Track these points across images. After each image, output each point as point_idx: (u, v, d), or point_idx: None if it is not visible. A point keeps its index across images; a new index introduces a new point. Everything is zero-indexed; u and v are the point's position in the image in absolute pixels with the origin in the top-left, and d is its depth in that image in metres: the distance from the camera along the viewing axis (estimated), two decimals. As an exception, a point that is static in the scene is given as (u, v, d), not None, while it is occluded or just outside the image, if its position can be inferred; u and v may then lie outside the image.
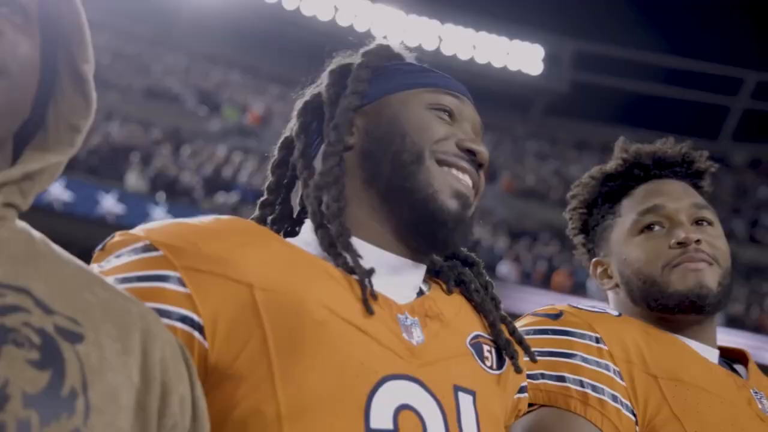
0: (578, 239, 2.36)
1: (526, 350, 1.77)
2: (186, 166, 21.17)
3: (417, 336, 1.57)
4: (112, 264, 1.47)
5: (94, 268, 1.49)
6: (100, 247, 1.53)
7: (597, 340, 1.96)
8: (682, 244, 2.08)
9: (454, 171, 1.66)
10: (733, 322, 20.77)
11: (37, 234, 1.28)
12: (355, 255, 1.56)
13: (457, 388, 1.56)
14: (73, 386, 1.10)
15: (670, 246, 2.09)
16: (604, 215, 2.26)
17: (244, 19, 34.12)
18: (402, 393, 1.47)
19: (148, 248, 1.46)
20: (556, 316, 2.03)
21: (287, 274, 1.50)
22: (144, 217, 17.61)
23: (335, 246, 1.58)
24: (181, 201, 19.34)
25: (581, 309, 2.07)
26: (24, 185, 1.24)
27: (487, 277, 1.83)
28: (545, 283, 20.96)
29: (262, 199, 1.82)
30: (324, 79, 1.79)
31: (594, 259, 2.26)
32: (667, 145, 2.31)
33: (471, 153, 1.68)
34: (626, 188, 2.26)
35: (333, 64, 1.81)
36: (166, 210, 18.51)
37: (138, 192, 19.32)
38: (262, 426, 1.40)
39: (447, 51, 36.75)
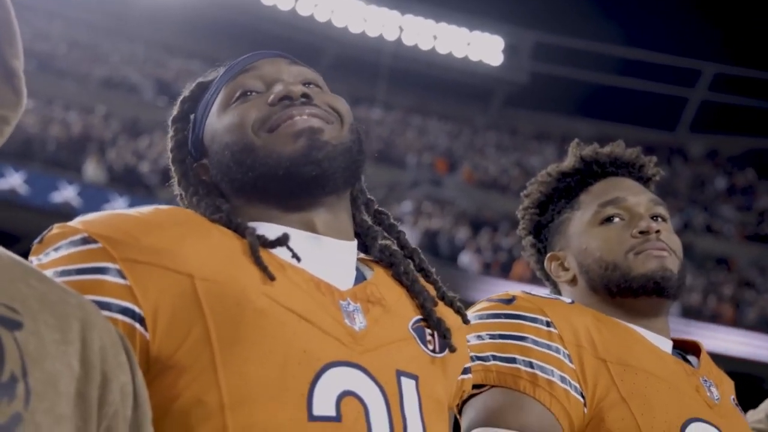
0: (527, 240, 2.39)
1: (458, 311, 1.78)
2: (144, 157, 21.02)
3: (359, 322, 1.57)
4: (51, 257, 1.47)
5: (33, 261, 1.48)
6: (38, 240, 1.51)
7: (548, 324, 2.00)
8: (644, 233, 2.15)
9: (287, 125, 1.64)
10: (690, 313, 21.05)
11: None
12: (257, 234, 1.57)
13: (399, 373, 1.56)
14: (12, 371, 1.09)
15: (632, 235, 2.15)
16: (560, 210, 2.30)
17: (202, 9, 33.91)
18: (344, 379, 1.48)
19: (86, 240, 1.46)
20: (509, 300, 2.07)
21: (227, 263, 1.50)
22: (102, 209, 17.48)
23: (240, 230, 1.59)
24: (139, 192, 19.22)
25: (534, 295, 2.11)
26: None
27: (413, 246, 1.83)
28: (505, 273, 21.10)
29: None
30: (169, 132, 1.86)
31: (549, 253, 2.28)
32: (620, 148, 2.37)
33: (286, 98, 1.67)
34: (583, 184, 2.31)
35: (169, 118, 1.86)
36: (123, 200, 18.38)
37: (96, 183, 19.17)
38: (204, 415, 1.40)
39: (408, 42, 36.79)
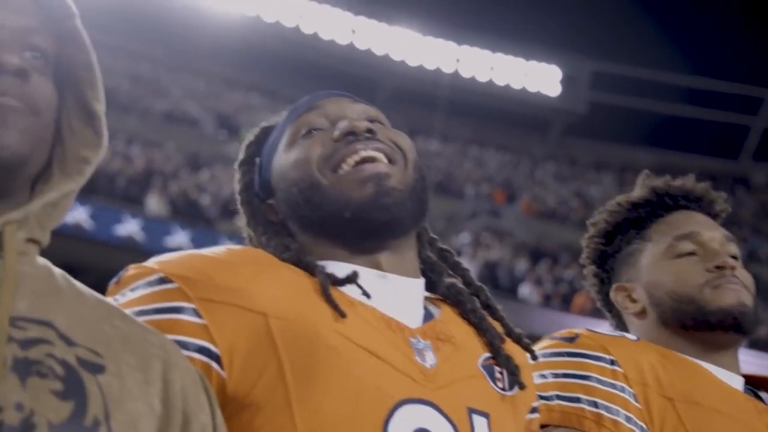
0: (590, 269, 2.36)
1: (526, 348, 1.77)
2: (205, 190, 21.26)
3: (430, 359, 1.57)
4: (128, 297, 1.50)
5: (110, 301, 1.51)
6: (114, 280, 1.55)
7: (612, 363, 1.97)
8: (720, 268, 2.11)
9: (349, 161, 1.66)
10: (758, 345, 20.62)
11: (57, 269, 1.31)
12: (326, 272, 1.59)
13: (471, 411, 1.56)
14: (95, 415, 1.13)
15: (707, 269, 2.11)
16: (629, 241, 2.27)
17: (262, 43, 34.37)
18: (418, 417, 1.48)
19: (162, 281, 1.49)
20: (572, 339, 2.04)
21: (299, 301, 1.52)
22: (164, 241, 17.70)
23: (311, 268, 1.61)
24: (200, 224, 19.42)
25: (597, 333, 2.08)
26: (42, 218, 1.28)
27: (479, 283, 1.83)
28: (566, 305, 20.89)
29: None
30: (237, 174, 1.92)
31: (616, 284, 2.25)
32: (691, 181, 2.33)
33: (351, 134, 1.68)
34: (654, 216, 2.27)
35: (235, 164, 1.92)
36: (186, 233, 18.59)
37: (158, 216, 19.42)
38: None
39: (465, 73, 36.87)
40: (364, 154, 1.66)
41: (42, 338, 1.15)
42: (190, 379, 1.30)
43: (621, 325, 2.29)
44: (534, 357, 1.79)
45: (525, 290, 21.33)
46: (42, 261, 1.30)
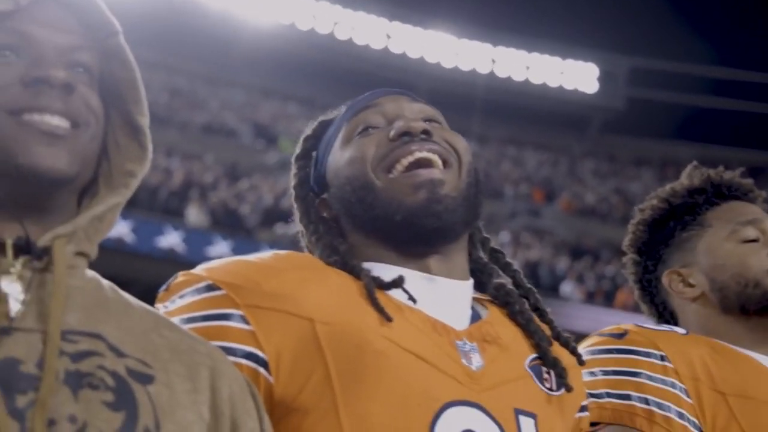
0: (633, 257, 2.35)
1: (573, 352, 1.76)
2: (244, 200, 21.39)
3: (476, 361, 1.58)
4: (177, 304, 1.52)
5: (159, 308, 1.53)
6: (164, 287, 1.57)
7: (662, 358, 1.96)
8: None
9: (403, 162, 1.66)
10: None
11: (105, 281, 1.33)
12: (372, 275, 1.60)
13: (518, 412, 1.56)
14: (146, 425, 1.15)
15: None
16: (684, 227, 2.25)
17: (297, 51, 34.48)
18: (464, 419, 1.48)
19: (210, 288, 1.51)
20: (621, 335, 2.03)
21: (346, 306, 1.53)
22: (205, 251, 17.81)
23: (357, 272, 1.61)
24: (241, 234, 19.53)
25: (646, 328, 2.07)
26: (90, 232, 1.30)
27: (528, 285, 1.83)
28: (609, 301, 20.75)
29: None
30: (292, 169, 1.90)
31: (670, 269, 2.23)
32: (738, 174, 2.34)
33: (406, 134, 1.68)
34: (710, 204, 2.27)
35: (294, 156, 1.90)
36: (227, 243, 18.69)
37: (199, 227, 19.56)
38: None
39: (501, 73, 36.76)
40: (419, 155, 1.66)
41: (92, 350, 1.17)
42: (238, 386, 1.32)
43: (660, 315, 2.29)
44: (581, 362, 1.78)
45: (567, 288, 21.22)
46: (91, 273, 1.32)
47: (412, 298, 1.58)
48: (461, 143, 1.74)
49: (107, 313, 1.25)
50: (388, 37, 35.94)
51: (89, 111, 1.28)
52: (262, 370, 1.45)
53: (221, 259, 1.62)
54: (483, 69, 36.32)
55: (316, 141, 1.87)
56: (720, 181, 2.30)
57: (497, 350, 1.63)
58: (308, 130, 1.90)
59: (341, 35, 35.40)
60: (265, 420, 1.35)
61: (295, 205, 1.84)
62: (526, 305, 1.77)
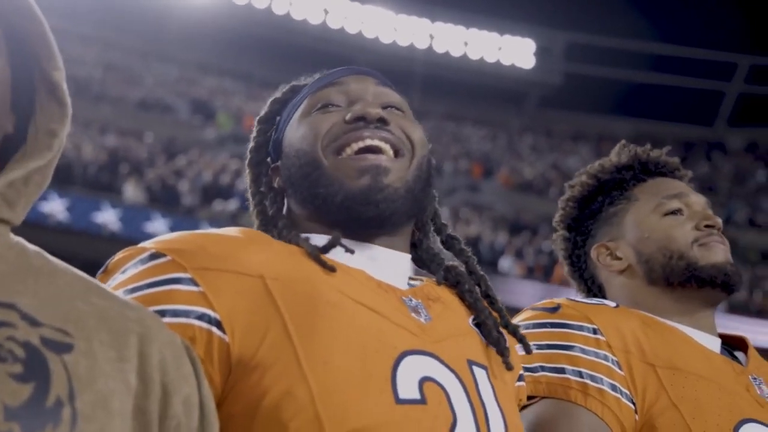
0: (562, 233, 2.39)
1: (521, 340, 1.78)
2: (182, 176, 21.18)
3: (424, 315, 1.60)
4: (118, 280, 1.49)
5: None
6: (102, 270, 1.55)
7: (594, 331, 1.99)
8: (709, 227, 2.17)
9: (354, 146, 1.67)
10: (736, 308, 20.79)
11: (31, 247, 1.28)
12: (313, 244, 1.62)
13: (470, 362, 1.59)
14: (58, 396, 1.10)
15: (696, 227, 2.17)
16: (612, 201, 2.30)
17: (234, 26, 34.15)
18: (422, 366, 1.51)
19: (154, 256, 1.49)
20: (554, 309, 2.06)
21: (293, 265, 1.55)
22: (142, 228, 17.63)
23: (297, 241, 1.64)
24: (179, 211, 19.36)
25: (578, 301, 2.10)
26: (9, 195, 1.25)
27: (481, 272, 1.83)
28: (548, 276, 20.99)
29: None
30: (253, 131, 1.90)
31: (598, 244, 2.27)
32: (665, 153, 2.41)
33: (362, 119, 1.69)
34: (637, 179, 2.31)
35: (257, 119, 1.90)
36: (164, 220, 18.52)
37: (136, 204, 19.34)
38: (295, 408, 1.41)
39: (439, 49, 36.80)
40: (369, 142, 1.67)
41: (2, 321, 1.12)
42: (171, 351, 1.28)
43: (589, 290, 2.34)
44: (528, 351, 1.79)
45: (506, 263, 21.40)
46: (15, 240, 1.27)
47: (349, 250, 1.60)
48: (417, 134, 1.74)
49: (26, 281, 1.20)
50: (326, 11, 35.75)
51: None
52: (215, 330, 1.43)
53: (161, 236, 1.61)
54: (421, 44, 36.33)
55: (281, 106, 1.86)
56: (647, 158, 2.35)
57: (442, 307, 1.66)
58: (278, 93, 1.89)
59: (279, 10, 35.12)
60: (204, 385, 1.32)
61: (247, 170, 1.85)
62: (476, 288, 1.78)
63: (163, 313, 1.40)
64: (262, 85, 32.03)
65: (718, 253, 2.15)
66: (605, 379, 1.94)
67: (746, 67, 39.12)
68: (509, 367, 1.69)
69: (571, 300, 2.11)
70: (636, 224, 2.23)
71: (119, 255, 1.54)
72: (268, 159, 1.84)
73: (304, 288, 1.51)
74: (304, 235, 1.65)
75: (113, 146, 21.81)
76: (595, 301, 2.13)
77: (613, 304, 2.12)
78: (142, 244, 1.54)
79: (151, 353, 1.24)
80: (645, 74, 40.16)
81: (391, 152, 1.67)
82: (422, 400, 1.46)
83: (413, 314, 1.59)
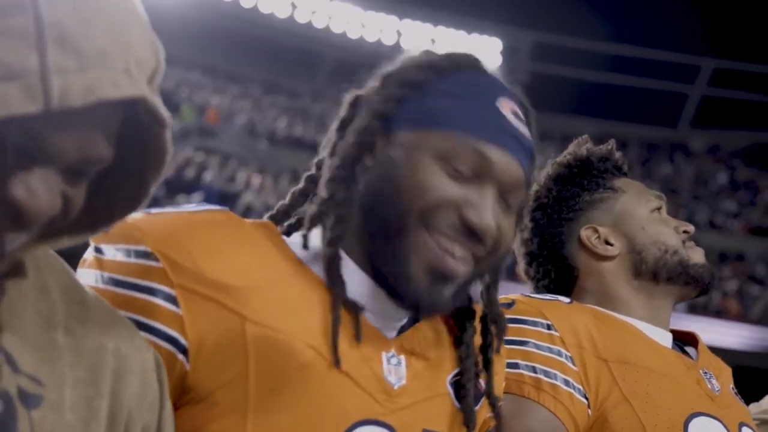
0: (535, 214, 2.33)
1: (493, 409, 1.69)
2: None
3: (398, 378, 1.53)
4: (110, 257, 1.43)
5: (92, 248, 1.46)
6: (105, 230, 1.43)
7: (548, 327, 2.01)
8: (687, 233, 2.24)
9: (438, 243, 1.46)
10: (695, 309, 21.03)
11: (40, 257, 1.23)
12: (343, 288, 1.49)
13: None
14: None
15: (676, 230, 2.23)
16: (592, 188, 2.29)
17: (200, 19, 33.92)
18: None
19: (147, 255, 1.42)
20: (509, 305, 2.05)
21: (282, 306, 1.46)
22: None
23: (329, 275, 1.50)
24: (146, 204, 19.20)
25: (533, 297, 2.11)
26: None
27: (499, 310, 1.69)
28: (511, 275, 21.05)
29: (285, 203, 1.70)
30: (378, 80, 1.65)
31: (588, 225, 2.25)
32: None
33: (474, 232, 1.46)
34: (614, 173, 2.33)
35: (400, 65, 1.64)
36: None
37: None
38: None
39: (406, 46, 36.75)
40: (457, 253, 1.47)
41: None
42: (140, 380, 1.26)
43: (552, 272, 2.30)
44: (498, 420, 1.70)
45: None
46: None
47: (357, 336, 1.49)
48: (508, 239, 1.54)
49: (13, 314, 1.14)
50: (294, 6, 35.61)
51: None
52: (180, 356, 1.39)
53: (164, 211, 1.51)
54: (388, 41, 36.32)
55: (439, 77, 1.60)
56: (618, 157, 2.37)
57: (423, 365, 1.58)
58: (425, 70, 1.61)
59: (246, 3, 34.92)
60: (167, 408, 1.31)
61: (347, 114, 1.60)
62: (482, 336, 1.68)
63: (137, 323, 1.36)
64: (228, 79, 31.91)
65: (702, 255, 2.21)
66: (559, 374, 1.96)
67: (709, 69, 39.50)
68: (497, 419, 1.65)
69: (526, 296, 2.12)
70: (629, 214, 2.24)
71: (122, 228, 1.40)
72: (378, 134, 1.53)
73: (281, 341, 1.42)
74: (348, 268, 1.51)
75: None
76: (549, 297, 2.14)
77: (567, 300, 2.13)
78: (139, 223, 1.44)
79: (123, 391, 1.23)
80: (610, 75, 40.40)
81: (468, 262, 1.50)
82: None
83: (386, 376, 1.51)
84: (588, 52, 39.46)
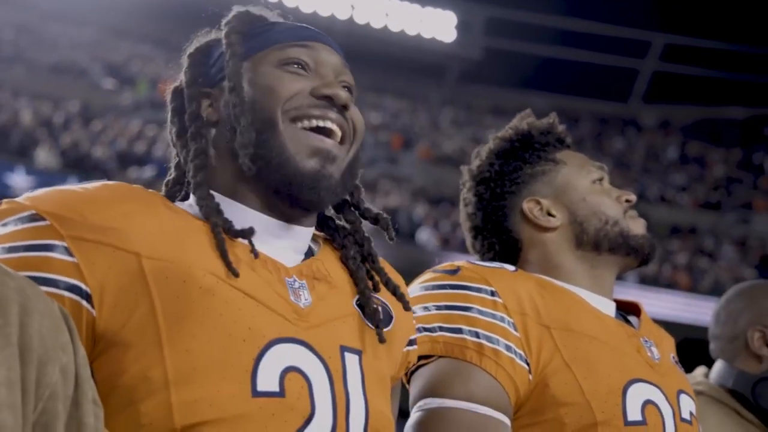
0: (479, 189, 2.38)
1: (400, 299, 1.81)
2: (97, 141, 20.79)
3: (305, 298, 1.60)
4: None
5: None
6: None
7: (492, 294, 2.04)
8: (629, 202, 2.27)
9: (312, 122, 1.66)
10: (646, 281, 21.31)
11: None
12: (224, 219, 1.59)
13: (343, 348, 1.60)
14: None
15: (618, 200, 2.27)
16: (534, 160, 2.33)
17: (152, -9, 33.50)
18: (289, 355, 1.51)
19: (34, 218, 1.48)
20: (454, 272, 2.10)
21: (174, 242, 1.53)
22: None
23: (199, 203, 1.62)
24: (94, 177, 19.03)
25: (478, 264, 2.15)
26: None
27: (366, 234, 1.83)
28: (464, 247, 21.16)
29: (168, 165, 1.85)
30: (184, 62, 1.81)
31: (530, 198, 2.28)
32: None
33: (328, 98, 1.68)
34: (556, 146, 2.36)
35: (191, 46, 1.83)
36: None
37: (49, 169, 18.94)
38: (149, 390, 1.43)
39: (360, 20, 36.63)
40: (329, 124, 1.67)
41: None
42: (50, 321, 1.27)
43: (497, 244, 2.34)
44: (407, 308, 1.82)
45: (423, 235, 21.54)
46: None
47: (254, 252, 1.58)
48: (361, 124, 1.75)
49: None
50: (247, -22, 35.27)
51: None
52: (84, 302, 1.44)
53: (48, 188, 1.57)
54: (342, 15, 36.12)
55: (239, 36, 1.76)
56: (560, 130, 2.41)
57: (326, 288, 1.66)
58: (233, 21, 1.78)
59: (199, -25, 34.55)
60: (80, 354, 1.32)
61: (174, 104, 1.80)
62: (357, 252, 1.79)
63: (35, 280, 1.38)
64: (181, 52, 31.52)
65: (642, 226, 2.26)
66: (501, 340, 2.00)
67: (660, 45, 39.83)
68: (381, 340, 1.70)
69: (471, 263, 2.16)
70: (570, 186, 2.28)
71: (3, 205, 1.53)
72: (200, 92, 1.75)
73: (179, 270, 1.49)
74: (218, 197, 1.64)
75: (25, 110, 21.28)
76: (494, 264, 2.17)
77: (512, 268, 2.17)
78: (24, 199, 1.53)
79: (31, 323, 1.24)
80: (562, 50, 40.57)
81: (339, 137, 1.69)
82: (280, 393, 1.47)
83: (293, 298, 1.58)
84: (541, 26, 39.58)
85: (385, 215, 1.86)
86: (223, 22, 1.79)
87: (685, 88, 39.47)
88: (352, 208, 1.84)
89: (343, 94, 1.69)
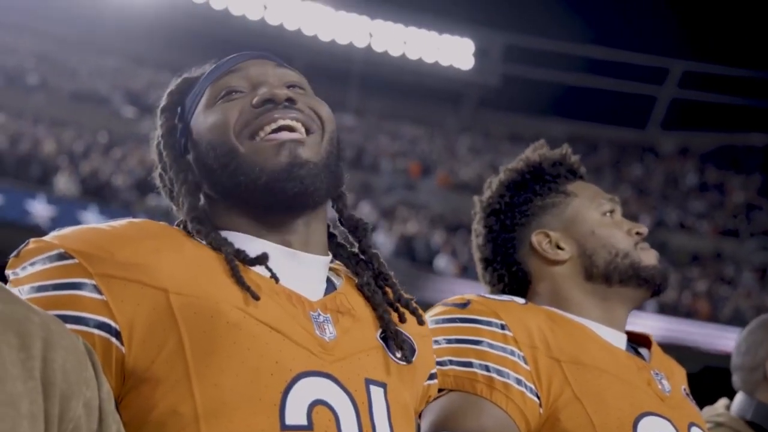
0: (489, 220, 2.37)
1: (413, 313, 1.79)
2: (117, 170, 20.91)
3: (329, 332, 1.60)
4: (27, 272, 1.50)
5: (9, 274, 1.51)
6: (14, 254, 1.54)
7: (502, 327, 2.04)
8: (639, 235, 2.25)
9: (267, 129, 1.65)
10: (666, 309, 21.17)
11: None
12: (237, 249, 1.60)
13: (368, 381, 1.60)
14: None
15: (629, 233, 2.25)
16: (544, 192, 2.32)
17: (172, 20, 33.80)
18: (315, 389, 1.51)
19: (62, 256, 1.49)
20: (464, 305, 2.10)
21: (201, 277, 1.54)
22: (75, 222, 17.35)
23: (202, 235, 1.62)
24: (113, 204, 19.12)
25: (488, 298, 2.14)
26: None
27: (374, 250, 1.82)
28: (474, 275, 21.08)
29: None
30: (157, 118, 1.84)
31: (539, 231, 2.28)
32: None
33: (270, 101, 1.68)
34: (568, 177, 2.36)
35: (161, 100, 1.85)
36: (98, 214, 18.28)
37: (69, 196, 19.04)
38: (179, 426, 1.43)
39: (378, 48, 36.83)
40: (282, 122, 1.65)
41: None
42: (74, 356, 1.28)
43: (506, 276, 2.33)
44: (421, 322, 1.81)
45: (441, 262, 21.50)
46: None
47: (274, 277, 1.58)
48: (325, 110, 1.74)
49: None
50: (265, 7, 35.55)
51: None
52: (114, 340, 1.44)
53: (76, 226, 1.58)
54: (360, 43, 36.32)
55: (181, 96, 1.82)
56: (573, 161, 2.40)
57: (350, 321, 1.66)
58: (172, 86, 1.84)
59: (217, 4, 34.86)
60: (105, 387, 1.33)
61: (163, 153, 1.79)
62: (371, 276, 1.78)
63: (65, 318, 1.40)
64: (200, 80, 31.67)
65: (654, 257, 2.24)
66: (511, 373, 1.99)
67: (679, 72, 39.82)
68: (408, 361, 1.70)
69: (482, 296, 2.15)
70: (580, 218, 2.27)
71: (31, 244, 1.54)
72: (180, 142, 1.78)
73: (207, 305, 1.50)
74: (227, 234, 1.64)
75: (45, 137, 21.43)
76: (504, 297, 2.17)
77: (522, 301, 2.16)
78: (52, 238, 1.54)
79: (55, 358, 1.24)
80: (581, 77, 40.64)
81: (302, 129, 1.67)
82: (308, 426, 1.47)
83: (318, 331, 1.58)
84: (559, 54, 39.66)
85: (365, 222, 1.84)
86: (168, 91, 1.84)
87: (704, 115, 39.42)
88: (339, 221, 1.84)
89: (280, 92, 1.69)
